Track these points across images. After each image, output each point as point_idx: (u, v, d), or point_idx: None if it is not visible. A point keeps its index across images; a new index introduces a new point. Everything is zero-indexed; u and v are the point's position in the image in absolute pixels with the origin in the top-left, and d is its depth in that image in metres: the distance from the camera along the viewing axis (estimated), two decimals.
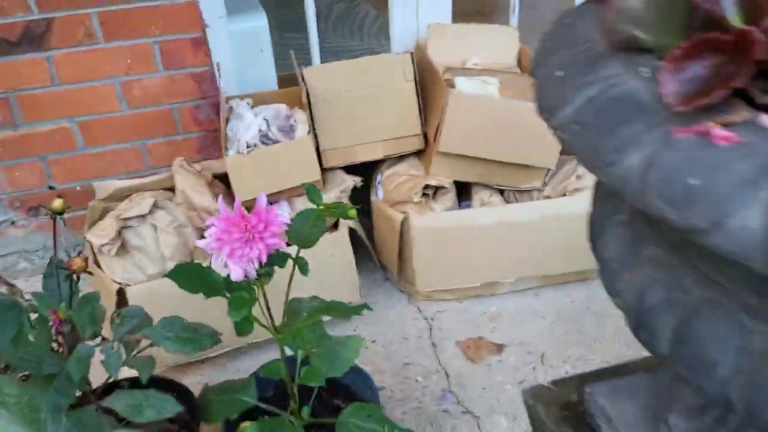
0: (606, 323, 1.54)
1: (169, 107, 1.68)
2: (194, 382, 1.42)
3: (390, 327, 1.60)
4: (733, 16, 0.32)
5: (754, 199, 0.28)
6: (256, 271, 0.89)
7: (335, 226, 1.57)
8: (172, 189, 1.59)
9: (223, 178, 1.60)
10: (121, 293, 1.37)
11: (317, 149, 1.57)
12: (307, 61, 1.82)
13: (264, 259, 0.83)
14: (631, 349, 1.45)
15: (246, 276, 0.87)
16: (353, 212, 0.89)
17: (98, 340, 0.96)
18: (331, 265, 1.52)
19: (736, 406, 0.37)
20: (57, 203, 0.81)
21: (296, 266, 0.95)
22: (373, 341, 1.57)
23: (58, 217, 0.82)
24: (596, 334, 1.53)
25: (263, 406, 1.11)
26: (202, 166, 1.64)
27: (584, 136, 0.35)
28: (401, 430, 1.07)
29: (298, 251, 0.97)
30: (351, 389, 1.24)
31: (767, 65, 0.31)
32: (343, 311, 1.01)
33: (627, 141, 0.32)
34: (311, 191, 0.89)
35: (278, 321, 1.04)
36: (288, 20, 2.87)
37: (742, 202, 0.28)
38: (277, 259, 0.92)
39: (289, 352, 1.13)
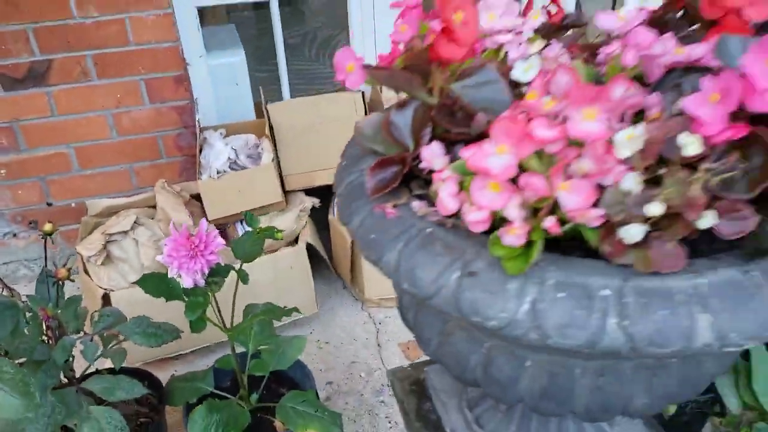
0: None
1: (154, 135, 1.93)
2: (168, 375, 1.66)
3: (343, 330, 1.84)
4: (410, 144, 0.56)
5: (394, 248, 0.52)
6: (205, 280, 1.14)
7: (296, 240, 1.81)
8: (155, 206, 1.84)
9: (199, 198, 1.85)
10: (105, 297, 1.61)
11: (280, 174, 1.82)
12: (279, 91, 2.07)
13: (206, 271, 1.07)
14: None
15: (195, 284, 1.12)
16: (280, 235, 1.13)
17: (81, 334, 1.20)
18: (290, 276, 1.77)
19: (446, 367, 0.61)
20: (47, 227, 1.06)
21: (239, 276, 1.20)
22: (327, 342, 1.80)
23: (48, 237, 1.07)
24: None
25: (217, 392, 1.35)
26: (181, 186, 1.89)
27: (342, 204, 0.59)
28: (330, 412, 1.31)
29: (241, 264, 1.21)
30: (295, 381, 1.47)
31: (416, 172, 0.55)
32: (277, 314, 1.25)
33: (354, 211, 0.56)
34: (249, 218, 1.14)
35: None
36: (271, 48, 3.12)
37: (389, 249, 0.52)
38: (221, 270, 1.17)
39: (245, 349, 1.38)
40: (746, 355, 1.31)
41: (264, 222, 1.82)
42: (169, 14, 1.78)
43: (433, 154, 0.51)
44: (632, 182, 0.43)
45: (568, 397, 0.55)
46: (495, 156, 0.44)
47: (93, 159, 1.91)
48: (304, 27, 3.61)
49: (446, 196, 0.47)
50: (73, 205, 1.96)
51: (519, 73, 0.56)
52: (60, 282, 1.07)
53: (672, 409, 1.28)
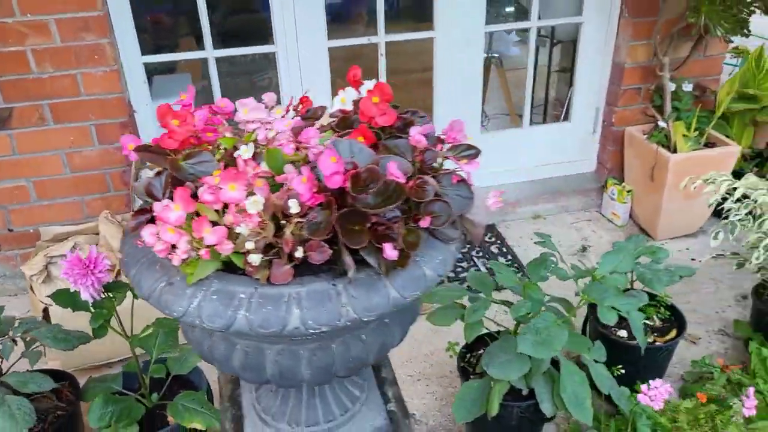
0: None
1: (103, 172, 2.24)
2: None
3: None
4: (161, 199, 0.85)
5: (136, 266, 0.80)
6: (103, 295, 1.42)
7: None
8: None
9: None
10: (45, 311, 1.90)
11: None
12: None
13: (98, 286, 1.36)
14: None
15: (93, 297, 1.40)
16: None
17: (4, 338, 1.49)
18: None
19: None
20: None
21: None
22: None
23: None
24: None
25: (124, 391, 1.63)
26: (123, 217, 2.19)
27: (123, 239, 0.88)
28: (214, 409, 1.57)
29: None
30: (194, 384, 1.75)
31: None
32: (168, 325, 1.53)
33: (125, 243, 0.85)
34: None
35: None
36: (237, 89, 3.46)
37: (133, 266, 0.81)
38: (118, 286, 1.45)
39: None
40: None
41: None
42: (116, 71, 2.10)
43: (160, 207, 0.79)
44: (243, 229, 0.71)
45: (262, 369, 0.82)
46: (172, 211, 0.72)
47: (49, 192, 2.22)
48: (273, 71, 3.95)
49: (147, 235, 0.75)
50: (31, 231, 2.26)
51: (242, 153, 0.85)
52: None
53: (494, 411, 1.53)
